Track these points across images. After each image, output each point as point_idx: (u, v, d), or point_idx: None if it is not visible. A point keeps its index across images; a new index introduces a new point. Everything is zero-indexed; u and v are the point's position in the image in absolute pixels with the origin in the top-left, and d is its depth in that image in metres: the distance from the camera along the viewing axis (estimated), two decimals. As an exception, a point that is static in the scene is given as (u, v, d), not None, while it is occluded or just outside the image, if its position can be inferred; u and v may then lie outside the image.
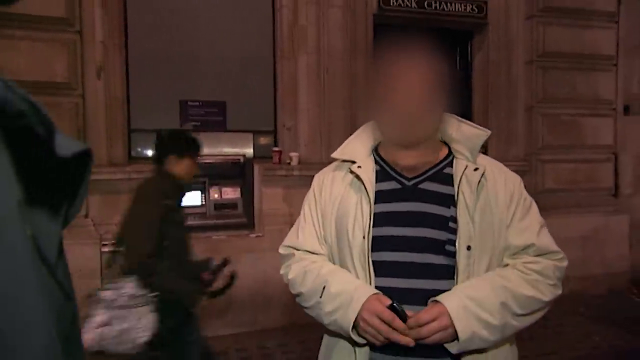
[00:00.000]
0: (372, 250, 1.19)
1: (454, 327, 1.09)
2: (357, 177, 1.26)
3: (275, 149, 4.30)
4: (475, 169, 1.22)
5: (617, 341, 3.81)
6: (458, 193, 1.20)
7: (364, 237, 1.19)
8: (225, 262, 2.45)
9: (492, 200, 1.21)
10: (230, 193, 4.18)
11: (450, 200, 1.20)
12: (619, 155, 5.29)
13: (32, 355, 0.38)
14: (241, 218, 4.16)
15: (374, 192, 1.24)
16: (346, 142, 1.36)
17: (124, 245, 2.29)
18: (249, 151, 4.26)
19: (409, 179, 1.25)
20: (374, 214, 1.21)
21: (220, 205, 4.12)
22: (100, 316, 2.13)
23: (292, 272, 1.30)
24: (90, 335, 2.11)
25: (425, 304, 1.13)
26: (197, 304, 2.41)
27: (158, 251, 2.18)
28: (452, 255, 1.17)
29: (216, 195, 4.12)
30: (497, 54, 4.97)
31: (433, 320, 1.09)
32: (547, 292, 1.19)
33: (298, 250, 1.33)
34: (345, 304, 1.15)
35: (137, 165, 3.96)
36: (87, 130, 3.71)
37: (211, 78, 4.32)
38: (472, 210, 1.18)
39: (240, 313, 4.02)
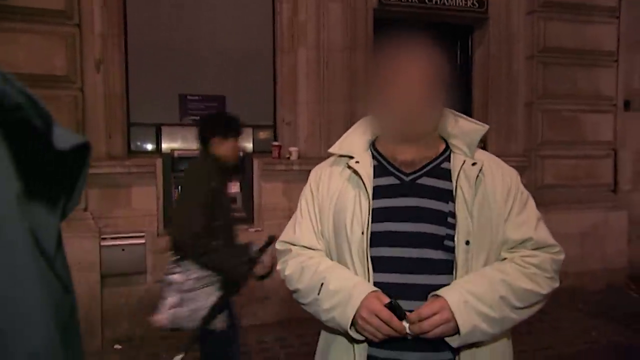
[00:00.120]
0: (371, 246, 1.19)
1: (455, 320, 1.09)
2: (355, 172, 1.25)
3: (275, 143, 4.30)
4: (473, 164, 1.22)
5: (615, 337, 3.83)
6: (456, 188, 1.20)
7: (362, 233, 1.19)
8: (270, 241, 2.45)
9: (489, 194, 1.21)
10: (230, 187, 4.17)
11: (448, 196, 1.20)
12: (619, 152, 5.29)
13: (31, 346, 0.38)
14: (240, 212, 4.16)
15: (372, 187, 1.23)
16: (343, 136, 1.35)
17: (174, 225, 2.41)
18: (249, 146, 4.26)
19: (407, 174, 1.25)
20: (373, 209, 1.20)
21: (219, 200, 4.11)
22: (171, 298, 2.32)
23: (289, 268, 1.29)
24: (164, 315, 2.34)
25: (424, 299, 1.14)
26: (245, 284, 2.49)
27: (209, 232, 2.25)
28: (451, 250, 1.17)
29: (215, 190, 4.12)
30: (498, 48, 4.96)
31: (434, 314, 1.09)
32: (545, 285, 1.20)
33: (295, 245, 1.32)
34: (344, 302, 1.15)
35: (136, 159, 3.96)
36: (86, 124, 3.71)
37: (211, 72, 4.31)
38: (470, 205, 1.18)
39: (238, 307, 4.02)
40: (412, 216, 1.20)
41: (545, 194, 4.90)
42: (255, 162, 4.19)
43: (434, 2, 4.72)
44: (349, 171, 1.28)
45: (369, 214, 1.20)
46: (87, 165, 0.48)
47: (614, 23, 5.19)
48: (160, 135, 4.07)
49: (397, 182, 1.25)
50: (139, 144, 4.17)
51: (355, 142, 1.32)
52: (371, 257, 1.19)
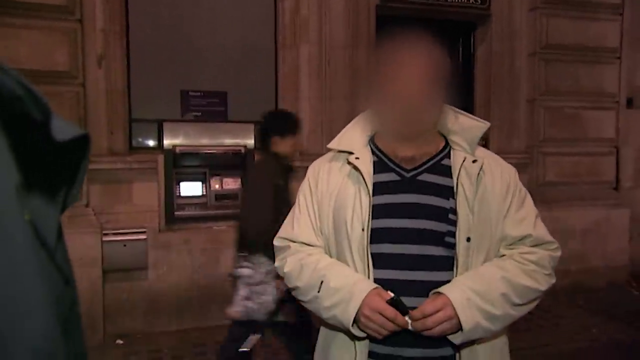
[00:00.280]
0: (371, 242, 1.19)
1: (458, 318, 1.09)
2: (355, 168, 1.24)
3: (276, 139, 4.29)
4: (474, 161, 1.22)
5: (616, 334, 3.83)
6: (457, 185, 1.20)
7: (363, 230, 1.18)
8: None
9: (489, 192, 1.21)
10: (231, 184, 4.18)
11: (449, 192, 1.20)
12: (621, 149, 5.28)
13: (32, 338, 0.38)
14: (242, 208, 4.17)
15: (372, 183, 1.23)
16: (342, 132, 1.34)
17: (244, 222, 2.49)
18: (250, 142, 4.25)
19: (408, 171, 1.25)
20: (373, 205, 1.20)
21: (221, 196, 4.12)
22: (242, 291, 2.45)
23: (288, 265, 1.29)
24: (238, 308, 2.47)
25: (425, 296, 1.14)
26: None
27: (277, 228, 2.33)
28: (452, 246, 1.17)
29: (217, 186, 4.12)
30: (500, 45, 4.94)
31: (437, 311, 1.09)
32: (543, 282, 1.21)
33: (294, 242, 1.32)
34: (345, 300, 1.14)
35: (137, 155, 3.96)
36: (87, 120, 3.71)
37: (212, 68, 4.30)
38: (471, 202, 1.18)
39: (240, 303, 4.04)
40: (412, 212, 1.20)
41: (547, 191, 4.89)
42: (257, 159, 4.19)
43: (436, -2, 4.70)
44: (348, 167, 1.27)
45: (369, 211, 1.19)
46: (87, 157, 0.48)
47: (617, 20, 5.17)
48: (162, 131, 4.06)
49: (398, 178, 1.25)
50: (140, 139, 4.17)
51: (354, 137, 1.31)
52: (371, 253, 1.18)
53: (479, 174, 1.21)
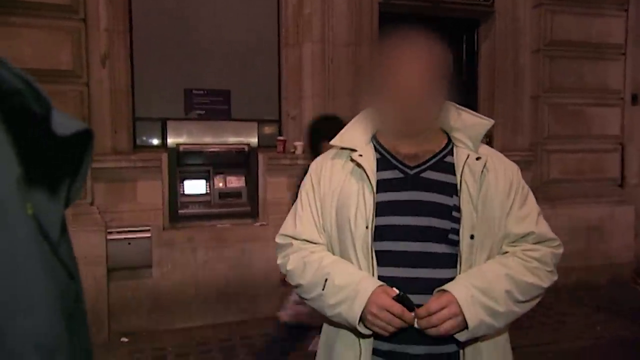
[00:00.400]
0: (375, 240, 1.19)
1: (463, 315, 1.10)
2: (359, 165, 1.24)
3: (280, 138, 4.30)
4: (478, 159, 1.22)
5: (621, 331, 3.82)
6: (461, 182, 1.20)
7: (367, 227, 1.18)
8: None
9: (493, 189, 1.21)
10: (235, 182, 4.18)
11: (452, 189, 1.20)
12: (626, 146, 5.25)
13: (34, 332, 0.38)
14: (245, 207, 4.18)
15: (376, 181, 1.23)
16: (345, 129, 1.33)
17: None
18: (254, 140, 4.26)
19: (411, 168, 1.25)
20: (377, 203, 1.20)
21: (224, 194, 4.13)
22: (294, 295, 2.43)
23: (291, 263, 1.28)
24: (287, 312, 2.50)
25: (429, 293, 1.14)
26: None
27: None
28: (455, 244, 1.17)
29: (221, 184, 4.13)
30: (504, 42, 4.92)
31: (442, 308, 1.10)
32: (546, 279, 1.22)
33: (296, 239, 1.31)
34: (351, 297, 1.14)
35: (141, 153, 3.97)
36: (91, 119, 3.72)
37: (216, 66, 4.30)
38: (475, 199, 1.18)
39: (244, 301, 4.05)
40: (416, 210, 1.20)
41: (551, 188, 4.88)
42: (260, 157, 4.20)
43: (439, -5, 4.69)
44: (351, 164, 1.26)
45: (373, 208, 1.19)
46: (90, 151, 0.48)
47: (622, 16, 5.14)
48: (166, 129, 4.07)
49: (401, 175, 1.24)
50: (144, 138, 4.19)
51: (357, 134, 1.30)
52: (375, 251, 1.18)
53: (482, 171, 1.21)
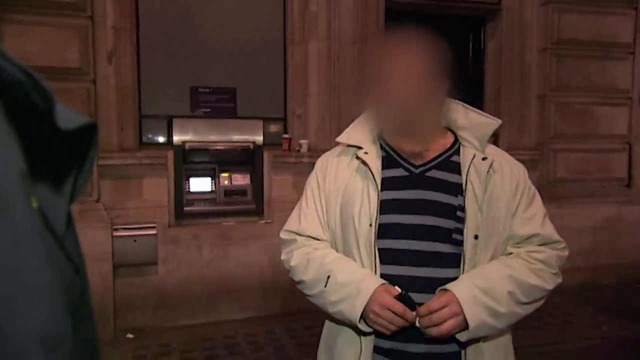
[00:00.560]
0: (378, 238, 1.18)
1: (464, 314, 1.09)
2: (364, 163, 1.24)
3: (285, 136, 4.30)
4: (484, 159, 1.21)
5: (627, 332, 3.79)
6: (466, 182, 1.19)
7: (370, 225, 1.18)
8: None
9: (499, 190, 1.20)
10: (240, 180, 4.19)
11: (457, 189, 1.20)
12: (633, 145, 5.21)
13: (38, 325, 0.38)
14: (250, 204, 4.18)
15: (381, 179, 1.22)
16: (351, 126, 1.33)
17: None
18: (259, 138, 4.26)
19: (417, 167, 1.24)
20: (381, 201, 1.20)
21: (230, 192, 4.14)
22: None
23: (294, 259, 1.29)
24: None
25: (431, 292, 1.14)
26: None
27: None
28: (459, 243, 1.17)
29: (226, 182, 4.14)
30: (511, 41, 4.89)
31: (443, 307, 1.09)
32: (550, 281, 1.21)
33: (300, 235, 1.31)
34: (353, 295, 1.14)
35: (147, 150, 3.99)
36: (98, 116, 3.73)
37: (222, 64, 4.31)
38: (480, 200, 1.18)
39: (248, 298, 4.06)
40: (420, 209, 1.19)
41: (558, 187, 4.85)
42: (266, 155, 4.20)
43: (446, -7, 4.67)
44: (357, 162, 1.26)
45: (377, 206, 1.19)
46: (94, 145, 0.48)
47: (630, 14, 5.09)
48: (172, 127, 4.08)
49: (406, 174, 1.24)
50: (150, 135, 4.20)
51: (363, 132, 1.30)
52: (378, 249, 1.18)
53: (488, 171, 1.20)
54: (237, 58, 4.33)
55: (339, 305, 1.17)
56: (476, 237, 1.16)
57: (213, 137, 4.14)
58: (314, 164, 1.38)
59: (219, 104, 4.30)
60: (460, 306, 1.09)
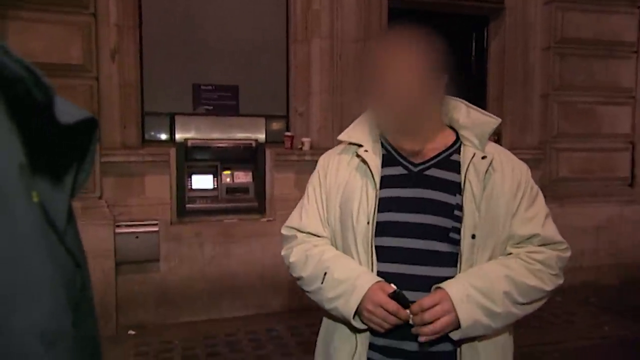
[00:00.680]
0: (376, 236, 1.19)
1: (456, 313, 1.09)
2: (363, 161, 1.25)
3: (287, 134, 4.30)
4: (483, 157, 1.21)
5: (628, 332, 3.79)
6: (465, 181, 1.19)
7: (368, 223, 1.19)
8: None
9: (499, 189, 1.20)
10: (242, 177, 4.20)
11: (456, 188, 1.19)
12: (637, 145, 5.19)
13: (38, 318, 0.38)
14: (253, 202, 4.19)
15: (380, 177, 1.23)
16: (353, 124, 1.34)
17: None
18: (261, 136, 4.26)
19: (416, 165, 1.24)
20: (379, 199, 1.20)
21: (232, 190, 4.14)
22: None
23: (294, 255, 1.30)
24: None
25: (428, 291, 1.14)
26: None
27: None
28: (456, 243, 1.17)
29: (228, 180, 4.15)
30: (514, 40, 4.88)
31: (436, 304, 1.10)
32: (549, 282, 1.19)
33: (301, 232, 1.33)
34: (348, 292, 1.15)
35: (150, 148, 3.99)
36: (101, 113, 3.74)
37: (224, 62, 4.31)
38: (478, 199, 1.17)
39: (250, 296, 4.07)
40: (418, 207, 1.20)
41: (560, 187, 4.84)
42: (268, 153, 4.20)
43: (449, -8, 4.66)
44: (357, 160, 1.27)
45: (375, 204, 1.19)
46: (95, 140, 0.48)
47: (634, 13, 5.07)
48: (174, 124, 4.09)
49: (405, 172, 1.24)
50: (153, 133, 4.21)
51: (365, 130, 1.31)
52: (376, 246, 1.19)
53: (487, 170, 1.19)
54: (239, 56, 4.33)
55: (334, 302, 1.18)
56: (473, 236, 1.16)
57: (215, 135, 4.14)
58: (316, 162, 1.39)
59: (222, 102, 4.31)
60: (452, 304, 1.09)
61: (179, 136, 4.05)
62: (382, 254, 1.19)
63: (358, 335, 1.20)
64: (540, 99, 4.97)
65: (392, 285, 1.13)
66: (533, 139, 4.97)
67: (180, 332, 3.74)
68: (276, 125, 4.49)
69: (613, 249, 4.95)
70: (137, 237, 3.74)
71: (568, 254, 1.25)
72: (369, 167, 1.23)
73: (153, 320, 3.85)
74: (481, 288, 1.12)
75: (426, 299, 1.10)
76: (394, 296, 1.11)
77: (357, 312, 1.15)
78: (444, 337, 1.14)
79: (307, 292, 1.28)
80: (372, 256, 1.19)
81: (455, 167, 1.22)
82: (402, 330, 1.14)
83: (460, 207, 1.17)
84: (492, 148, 1.26)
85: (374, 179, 1.22)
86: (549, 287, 1.19)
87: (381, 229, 1.19)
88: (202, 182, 4.08)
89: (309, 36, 4.30)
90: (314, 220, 1.31)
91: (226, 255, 4.03)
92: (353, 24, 4.34)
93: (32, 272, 0.38)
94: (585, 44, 4.92)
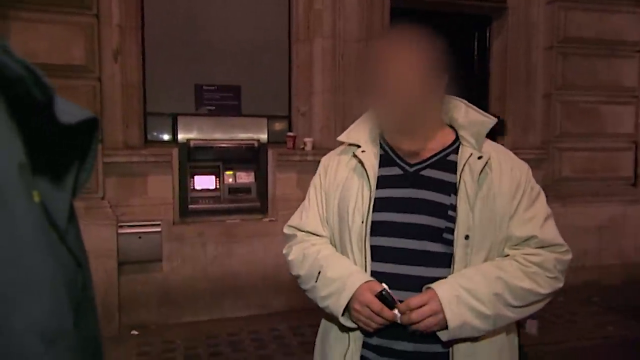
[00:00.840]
0: (371, 235, 1.20)
1: (444, 313, 1.09)
2: (360, 161, 1.26)
3: (290, 134, 4.30)
4: (479, 157, 1.20)
5: (632, 332, 3.78)
6: (459, 181, 1.18)
7: (362, 222, 1.20)
8: None
9: (495, 190, 1.18)
10: (245, 177, 4.20)
11: (451, 188, 1.19)
12: (640, 144, 5.18)
13: (38, 318, 0.38)
14: (255, 202, 4.19)
15: (376, 177, 1.23)
16: (353, 125, 1.35)
17: None
18: (263, 136, 4.26)
19: (412, 165, 1.24)
20: (375, 199, 1.21)
21: (234, 190, 4.14)
22: None
23: (293, 253, 1.32)
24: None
25: (419, 291, 1.14)
26: None
27: None
28: (450, 243, 1.16)
29: (230, 180, 4.15)
30: (516, 39, 4.87)
31: (423, 304, 1.09)
32: (546, 285, 1.17)
33: (301, 231, 1.35)
34: (339, 291, 1.17)
35: (152, 148, 4.00)
36: (103, 114, 3.75)
37: (226, 62, 4.31)
38: (472, 199, 1.16)
39: (252, 296, 4.07)
40: (412, 207, 1.20)
41: (563, 186, 4.83)
42: (270, 153, 4.21)
43: (451, -9, 4.65)
44: (355, 160, 1.28)
45: (369, 204, 1.20)
46: (96, 140, 0.48)
47: (637, 12, 5.05)
48: (177, 125, 4.10)
49: (401, 172, 1.25)
50: (155, 133, 4.21)
51: (364, 130, 1.32)
52: (371, 246, 1.20)
53: (482, 170, 1.18)
54: (241, 56, 4.33)
55: (326, 300, 1.20)
56: (467, 237, 1.15)
57: (217, 135, 4.15)
58: (319, 162, 1.41)
59: (224, 102, 4.31)
60: (440, 304, 1.09)
61: (181, 136, 4.06)
62: (376, 253, 1.20)
63: (351, 334, 1.21)
64: (543, 98, 4.96)
65: (383, 284, 1.13)
66: (535, 138, 4.96)
67: (182, 332, 3.74)
68: (278, 126, 4.49)
69: (616, 249, 4.93)
70: (139, 237, 3.74)
71: (568, 256, 1.22)
72: (364, 167, 1.24)
73: (155, 320, 3.85)
74: (471, 289, 1.11)
75: (413, 299, 1.11)
76: (380, 296, 1.11)
77: (349, 311, 1.16)
78: (437, 338, 1.13)
79: (305, 290, 1.30)
80: (365, 255, 1.20)
81: (452, 167, 1.22)
82: (394, 330, 1.14)
83: (454, 208, 1.17)
84: (491, 148, 1.25)
85: (369, 179, 1.22)
86: (545, 290, 1.17)
87: (376, 228, 1.20)
88: (204, 182, 4.08)
89: (311, 36, 4.30)
90: (313, 220, 1.33)
91: (228, 255, 4.03)
92: (355, 23, 4.34)
93: (32, 271, 0.38)
94: (588, 44, 4.91)
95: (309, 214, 1.34)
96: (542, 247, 1.19)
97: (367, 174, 1.23)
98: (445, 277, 1.14)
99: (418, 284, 1.15)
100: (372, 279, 1.16)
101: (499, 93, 4.98)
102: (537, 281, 1.16)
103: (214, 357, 3.39)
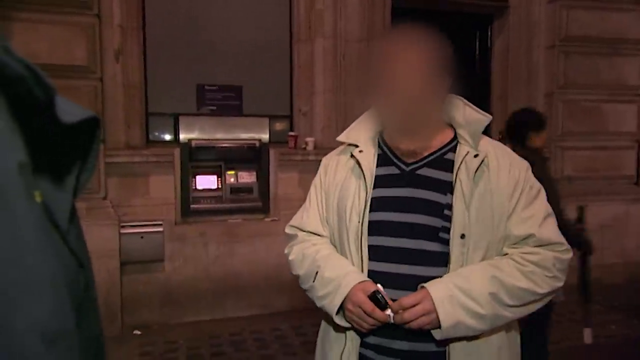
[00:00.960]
0: (369, 235, 1.20)
1: (437, 313, 1.09)
2: (358, 161, 1.26)
3: (291, 133, 4.30)
4: (475, 156, 1.19)
5: (634, 331, 3.77)
6: (455, 180, 1.18)
7: (359, 222, 1.20)
8: (582, 210, 2.81)
9: (493, 188, 1.17)
10: (246, 177, 4.20)
11: (447, 187, 1.18)
12: (643, 143, 5.17)
13: (40, 318, 0.38)
14: (257, 202, 4.19)
15: (373, 177, 1.24)
16: (352, 125, 1.36)
17: None
18: (265, 136, 4.27)
19: (408, 165, 1.24)
20: (372, 199, 1.21)
21: (236, 189, 4.15)
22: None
23: (293, 253, 1.34)
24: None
25: (415, 290, 1.14)
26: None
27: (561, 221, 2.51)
28: (446, 242, 1.16)
29: (232, 180, 4.15)
30: (518, 38, 4.86)
31: (416, 304, 1.09)
32: (544, 284, 1.16)
33: (302, 231, 1.36)
34: (334, 291, 1.18)
35: (154, 148, 4.01)
36: (105, 114, 3.76)
37: (228, 62, 4.32)
38: (468, 198, 1.15)
39: (254, 295, 4.08)
40: (408, 207, 1.20)
41: (566, 185, 4.82)
42: (272, 153, 4.21)
43: (453, -10, 4.65)
44: (353, 160, 1.29)
45: (365, 203, 1.21)
46: (97, 139, 0.48)
47: (639, 11, 5.04)
48: (178, 125, 4.10)
49: (398, 172, 1.25)
50: (157, 133, 4.22)
51: (362, 130, 1.32)
52: (368, 245, 1.20)
53: (478, 169, 1.17)
54: (243, 56, 4.34)
55: (323, 300, 1.21)
56: (463, 236, 1.14)
57: (219, 135, 4.15)
58: (320, 162, 1.41)
59: (225, 102, 4.31)
60: (433, 303, 1.09)
61: (183, 136, 4.06)
62: (373, 253, 1.20)
63: (348, 333, 1.21)
64: (545, 97, 4.95)
65: (378, 285, 1.13)
66: (537, 137, 4.94)
67: (185, 331, 3.75)
68: (280, 125, 4.49)
69: (618, 248, 4.92)
70: (141, 237, 3.75)
71: (568, 255, 1.21)
72: (361, 167, 1.24)
73: (158, 320, 3.86)
74: (466, 289, 1.10)
75: (406, 298, 1.11)
76: (373, 297, 1.11)
77: (343, 310, 1.17)
78: (432, 337, 1.13)
79: (305, 290, 1.31)
80: (362, 255, 1.20)
81: (449, 166, 1.21)
82: (391, 329, 1.14)
83: (450, 207, 1.16)
84: (490, 146, 1.24)
85: (365, 179, 1.23)
86: (542, 290, 1.16)
87: (373, 228, 1.20)
88: (206, 182, 4.09)
89: (312, 36, 4.30)
90: (314, 220, 1.34)
91: (230, 255, 4.04)
92: (356, 23, 4.34)
93: (33, 271, 0.38)
94: (590, 42, 4.90)
95: (310, 214, 1.35)
96: (540, 246, 1.18)
97: (364, 174, 1.24)
98: (441, 277, 1.14)
99: (415, 283, 1.14)
100: (367, 279, 1.16)
101: (500, 92, 4.97)
102: (534, 280, 1.15)
103: (216, 357, 3.39)
